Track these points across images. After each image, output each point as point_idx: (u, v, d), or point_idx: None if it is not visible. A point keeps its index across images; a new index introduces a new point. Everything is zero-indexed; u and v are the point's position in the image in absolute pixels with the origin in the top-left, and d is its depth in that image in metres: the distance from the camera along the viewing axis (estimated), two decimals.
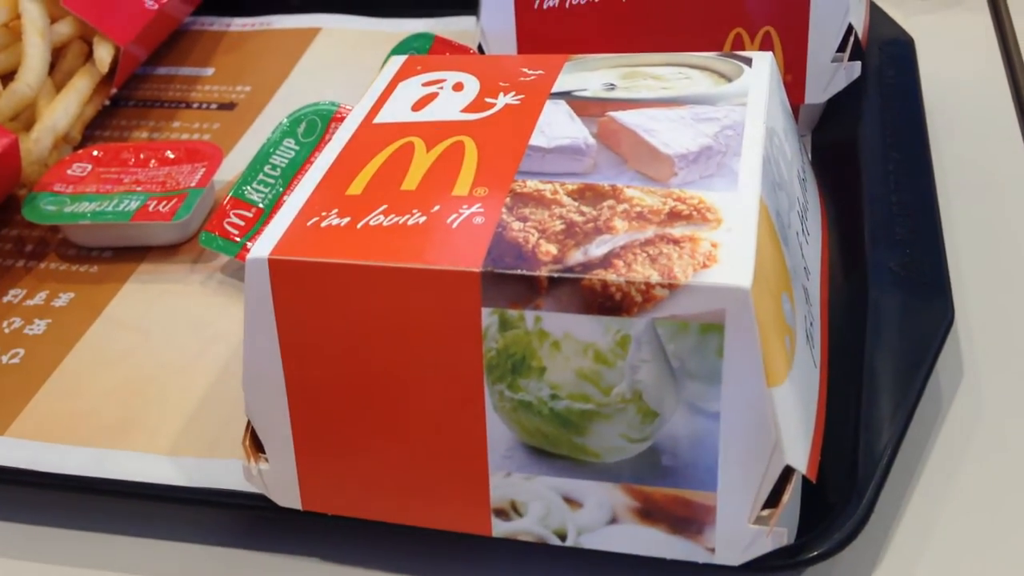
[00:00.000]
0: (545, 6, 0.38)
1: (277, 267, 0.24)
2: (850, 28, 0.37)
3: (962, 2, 0.48)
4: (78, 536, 0.29)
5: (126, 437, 0.31)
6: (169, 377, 0.33)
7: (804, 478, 0.24)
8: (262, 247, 0.25)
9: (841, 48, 0.37)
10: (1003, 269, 0.34)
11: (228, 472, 0.29)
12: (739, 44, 0.38)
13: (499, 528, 0.25)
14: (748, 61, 0.30)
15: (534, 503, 0.25)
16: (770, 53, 0.31)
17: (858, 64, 0.38)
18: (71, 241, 0.39)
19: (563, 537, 0.25)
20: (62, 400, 0.32)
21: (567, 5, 0.38)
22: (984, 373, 0.31)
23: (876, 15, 0.43)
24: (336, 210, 0.26)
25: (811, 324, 0.28)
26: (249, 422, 0.26)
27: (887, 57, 0.41)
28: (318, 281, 0.24)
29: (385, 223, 0.25)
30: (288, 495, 0.27)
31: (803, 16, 0.37)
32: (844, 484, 0.26)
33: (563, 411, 0.24)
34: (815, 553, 0.24)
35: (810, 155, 0.39)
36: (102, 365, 0.34)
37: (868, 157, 0.36)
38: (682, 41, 0.38)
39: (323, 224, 0.25)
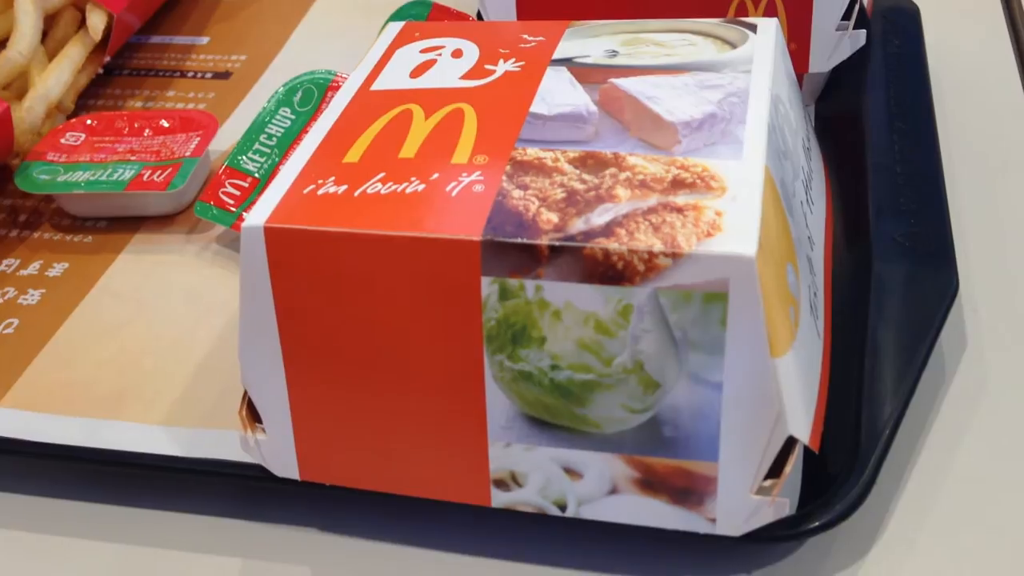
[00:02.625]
0: None
1: (273, 235, 0.24)
2: None
3: None
4: (73, 507, 0.29)
5: (121, 408, 0.30)
6: (164, 348, 0.33)
7: (806, 449, 0.24)
8: (258, 215, 0.24)
9: (846, 16, 0.37)
10: (1008, 240, 0.34)
11: (225, 443, 0.29)
12: (743, 11, 0.37)
13: (498, 498, 0.25)
14: (753, 27, 0.30)
15: (534, 474, 0.25)
16: (775, 19, 0.30)
17: (863, 32, 0.37)
18: (65, 211, 0.38)
19: (563, 508, 0.25)
20: (56, 371, 0.32)
21: None
22: (988, 344, 0.31)
23: None
24: (333, 178, 0.25)
25: (815, 294, 0.27)
26: (245, 392, 0.26)
27: (892, 26, 0.40)
28: (315, 250, 0.24)
29: (383, 191, 0.25)
30: (286, 465, 0.27)
31: None
32: (846, 455, 0.26)
33: (564, 381, 0.24)
34: (816, 524, 0.24)
35: (813, 125, 0.38)
36: (97, 336, 0.33)
37: (872, 127, 0.35)
38: (685, 8, 0.37)
39: (320, 192, 0.25)
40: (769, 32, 0.29)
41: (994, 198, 0.36)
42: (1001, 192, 0.36)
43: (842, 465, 0.25)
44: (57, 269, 0.36)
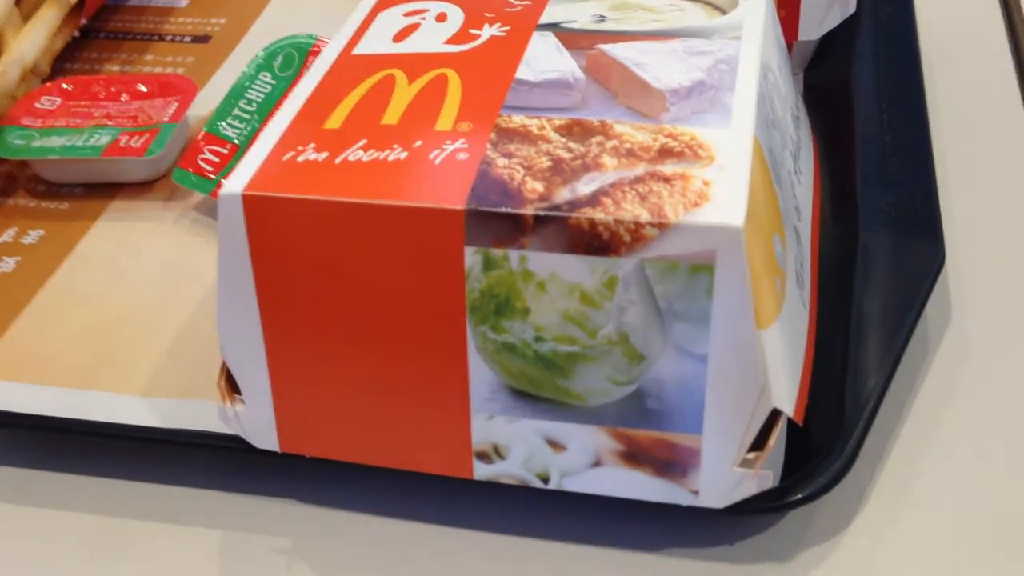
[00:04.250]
0: None
1: (251, 203, 0.23)
2: None
3: None
4: (48, 477, 0.28)
5: (98, 378, 0.30)
6: (142, 317, 0.32)
7: (789, 420, 0.24)
8: (235, 182, 0.24)
9: None
10: (995, 210, 0.34)
11: (203, 413, 0.28)
12: None
13: (481, 471, 0.25)
14: None
15: (517, 446, 0.24)
16: None
17: (853, 0, 0.37)
18: (40, 177, 0.38)
19: (546, 480, 0.25)
20: (32, 340, 0.32)
21: None
22: (972, 315, 0.31)
23: None
24: (313, 144, 0.25)
25: (801, 265, 0.27)
26: (224, 363, 0.26)
27: None
28: (294, 218, 0.23)
29: (365, 158, 0.24)
30: (266, 437, 0.26)
31: None
32: (829, 427, 0.25)
33: (548, 353, 0.23)
34: (799, 496, 0.24)
35: (802, 93, 0.38)
36: (73, 304, 0.33)
37: (861, 96, 0.35)
38: None
39: (299, 159, 0.24)
40: None
41: (982, 168, 0.36)
42: (989, 162, 0.36)
43: (825, 437, 0.25)
44: (32, 236, 0.35)
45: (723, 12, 0.29)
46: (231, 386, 0.26)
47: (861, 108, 0.34)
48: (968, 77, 0.40)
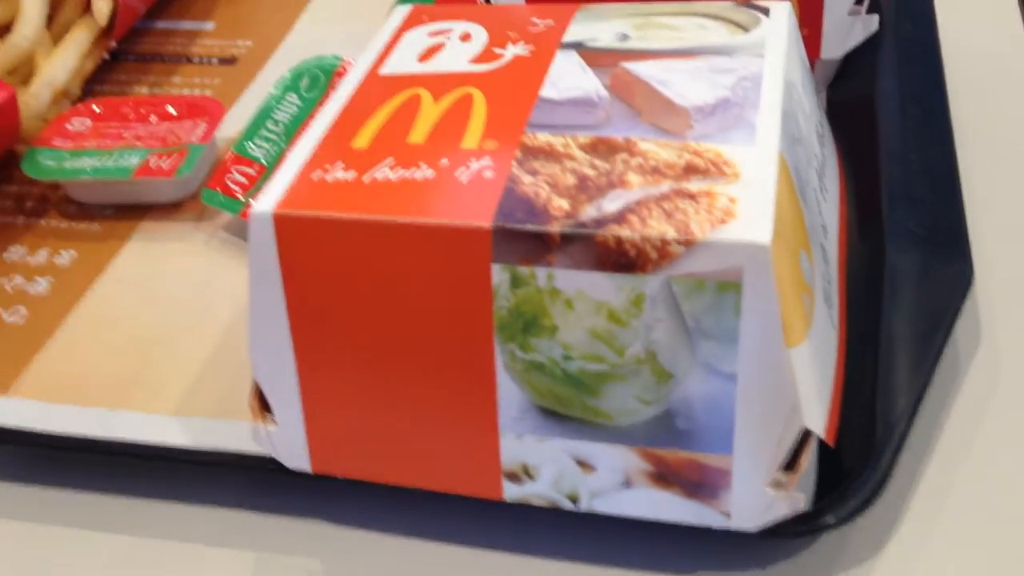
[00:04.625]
0: None
1: (282, 222, 0.24)
2: None
3: None
4: (82, 497, 0.29)
5: (130, 397, 0.30)
6: (174, 337, 0.32)
7: (820, 442, 0.24)
8: (266, 202, 0.24)
9: (858, 1, 0.36)
10: (1023, 229, 0.34)
11: (235, 433, 0.28)
12: None
13: (510, 492, 0.25)
14: (765, 11, 0.29)
15: (546, 466, 0.24)
16: (788, 3, 0.30)
17: (875, 18, 0.37)
18: (71, 198, 0.38)
19: (576, 501, 0.25)
20: (65, 360, 0.32)
21: None
22: (1003, 337, 0.30)
23: None
24: (341, 163, 0.25)
25: (829, 284, 0.27)
26: (256, 382, 0.26)
27: (905, 11, 0.40)
28: (324, 237, 0.24)
29: (392, 177, 0.24)
30: (297, 457, 0.26)
31: None
32: (861, 449, 0.25)
33: (576, 372, 0.23)
34: (832, 519, 0.24)
35: (826, 111, 0.38)
36: (105, 324, 0.33)
37: (886, 114, 0.35)
38: None
39: (328, 178, 0.25)
40: (782, 16, 0.29)
41: (1009, 188, 0.35)
42: (1016, 182, 0.36)
43: (857, 459, 0.25)
44: (64, 257, 0.36)
45: (746, 30, 0.29)
46: (263, 406, 0.26)
47: (885, 126, 0.34)
48: (992, 94, 0.39)
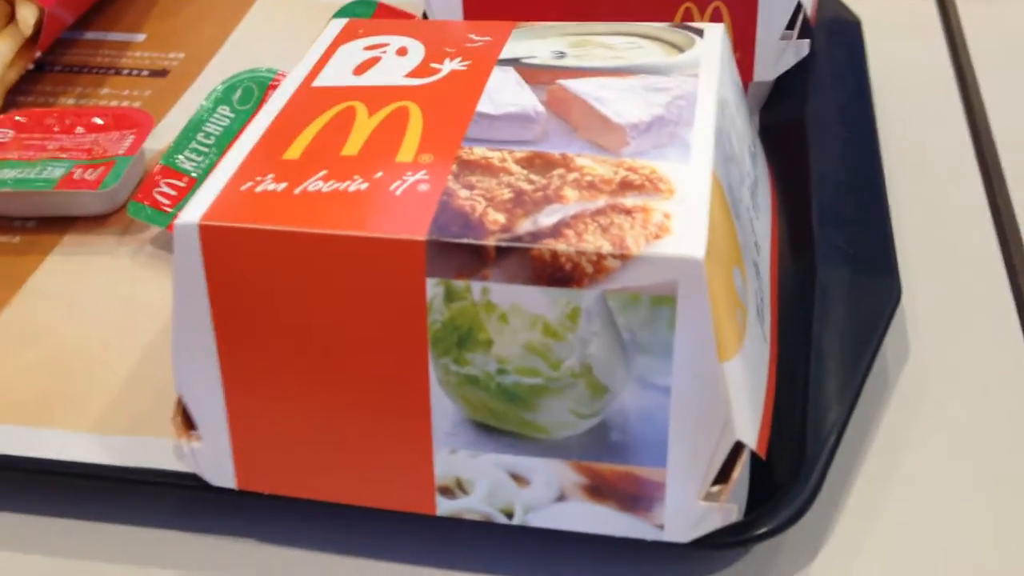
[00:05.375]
0: None
1: (208, 233, 0.23)
2: (799, 6, 0.37)
3: None
4: (1, 517, 0.27)
5: (48, 414, 0.29)
6: (95, 353, 0.31)
7: (753, 454, 0.24)
8: (192, 212, 0.23)
9: (790, 26, 0.37)
10: (948, 247, 0.35)
11: (158, 451, 0.27)
12: (688, 19, 0.37)
13: (444, 506, 0.25)
14: (700, 32, 0.30)
15: (480, 481, 0.24)
16: (722, 25, 0.30)
17: (807, 42, 0.38)
18: None
19: (510, 515, 0.24)
20: None
21: None
22: (930, 350, 0.31)
23: None
24: (272, 175, 0.25)
25: (761, 299, 0.27)
26: (180, 398, 0.25)
27: (835, 37, 0.41)
28: (252, 249, 0.23)
29: (325, 189, 0.24)
30: (222, 474, 0.26)
31: None
32: (792, 461, 0.25)
33: (511, 386, 0.23)
34: (763, 530, 0.24)
35: (759, 133, 0.39)
36: (24, 339, 0.32)
37: (816, 136, 0.35)
38: (631, 14, 0.37)
39: (258, 189, 0.24)
40: (716, 37, 0.29)
41: (934, 205, 0.36)
42: (941, 199, 0.37)
43: (788, 471, 0.25)
44: None
45: (681, 50, 0.29)
46: (186, 422, 0.25)
47: (816, 147, 0.35)
48: (918, 114, 0.40)
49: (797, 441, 0.26)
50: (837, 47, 0.40)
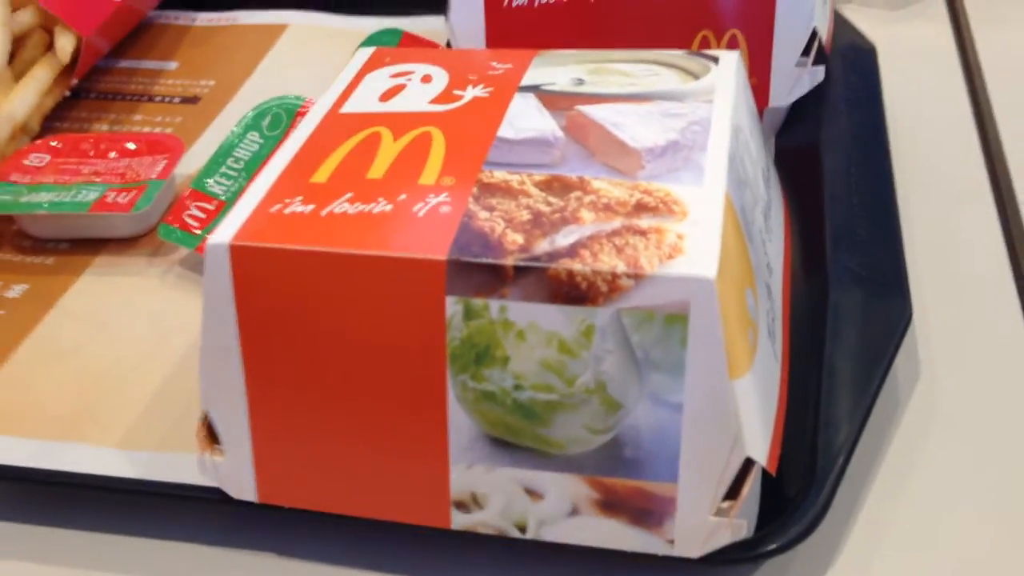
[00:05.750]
0: (514, 4, 0.38)
1: (238, 253, 0.24)
2: (814, 33, 0.38)
3: (923, 13, 0.49)
4: (27, 530, 0.28)
5: (78, 430, 0.30)
6: (124, 371, 0.32)
7: (763, 471, 0.24)
8: (223, 233, 0.24)
9: (805, 52, 0.38)
10: (960, 270, 0.35)
11: (183, 466, 0.28)
12: (706, 46, 0.38)
13: (459, 520, 0.25)
14: (715, 59, 0.31)
15: (495, 495, 0.25)
16: (737, 52, 0.31)
17: (822, 68, 0.38)
18: (27, 232, 0.38)
19: (523, 529, 0.25)
20: (13, 392, 0.32)
21: (535, 4, 0.38)
22: (940, 370, 0.31)
23: (840, 25, 0.43)
24: (300, 197, 0.25)
25: (773, 320, 0.28)
26: (204, 413, 0.26)
27: (850, 64, 0.41)
28: (280, 268, 0.24)
29: (350, 211, 0.25)
30: (244, 487, 0.26)
31: (768, 20, 0.37)
32: (802, 478, 0.26)
33: (527, 402, 0.24)
34: (774, 546, 0.24)
35: (774, 157, 0.39)
36: (55, 357, 0.33)
37: (830, 160, 0.36)
38: (649, 42, 0.38)
39: (286, 211, 0.25)
40: (731, 64, 0.30)
41: (946, 228, 0.37)
42: (952, 223, 0.37)
43: (798, 488, 0.26)
44: (16, 291, 0.36)
45: (696, 77, 0.30)
46: (210, 436, 0.26)
47: (830, 171, 0.35)
48: (932, 139, 0.41)
49: (808, 458, 0.26)
50: (852, 73, 0.41)
